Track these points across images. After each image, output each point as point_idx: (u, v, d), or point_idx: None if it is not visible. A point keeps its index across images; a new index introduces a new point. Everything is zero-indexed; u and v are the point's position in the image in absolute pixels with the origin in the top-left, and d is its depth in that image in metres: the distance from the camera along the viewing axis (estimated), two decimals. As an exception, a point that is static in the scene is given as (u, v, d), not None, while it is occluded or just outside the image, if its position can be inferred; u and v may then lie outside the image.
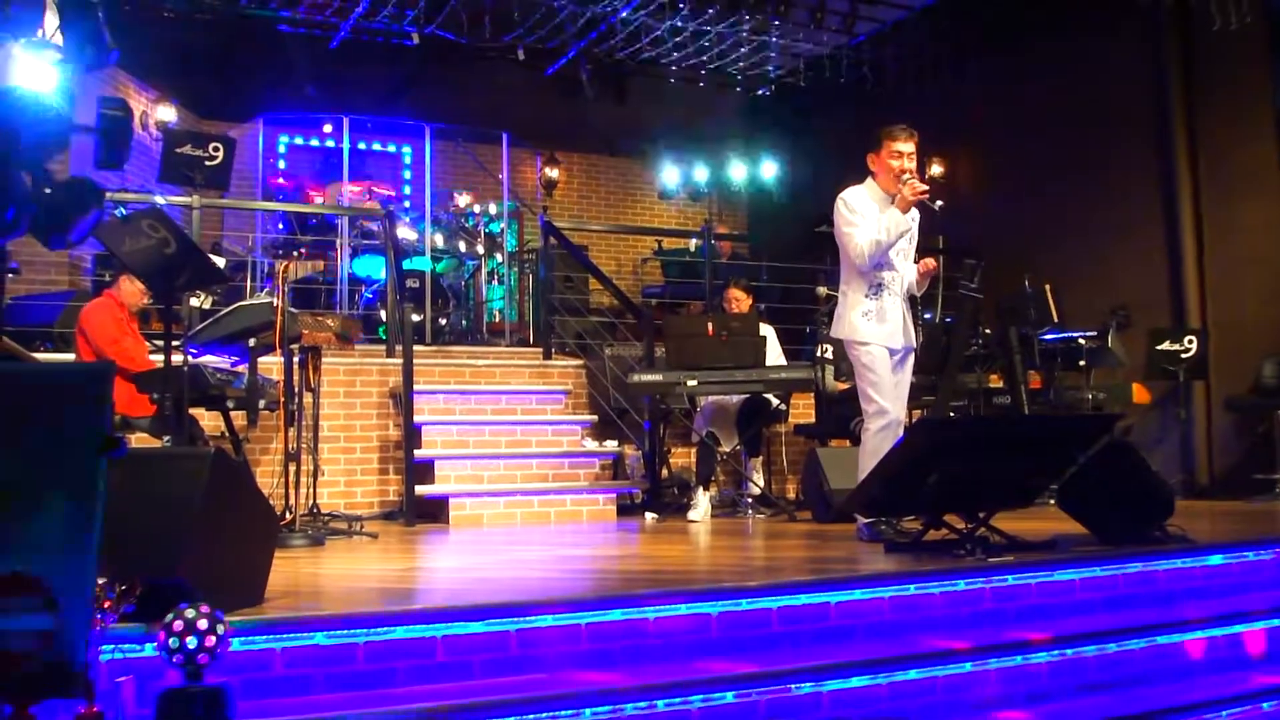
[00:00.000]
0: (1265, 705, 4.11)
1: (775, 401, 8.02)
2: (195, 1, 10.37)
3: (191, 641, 2.81)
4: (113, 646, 3.01)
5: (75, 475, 2.60)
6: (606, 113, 13.35)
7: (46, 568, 2.57)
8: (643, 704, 3.33)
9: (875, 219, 5.60)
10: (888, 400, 5.64)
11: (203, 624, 2.83)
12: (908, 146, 5.67)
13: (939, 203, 5.65)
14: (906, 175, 5.59)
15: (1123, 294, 9.28)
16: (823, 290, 8.78)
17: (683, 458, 8.99)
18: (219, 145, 8.05)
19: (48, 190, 3.01)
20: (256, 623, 3.27)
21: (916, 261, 5.87)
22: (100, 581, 2.84)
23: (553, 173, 13.85)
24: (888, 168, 5.67)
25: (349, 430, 7.91)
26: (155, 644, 2.87)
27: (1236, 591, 4.86)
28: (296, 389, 6.40)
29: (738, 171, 13.99)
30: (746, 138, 14.24)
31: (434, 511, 7.39)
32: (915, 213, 5.77)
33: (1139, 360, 8.94)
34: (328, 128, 12.31)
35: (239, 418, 6.71)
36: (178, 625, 2.82)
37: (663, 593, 3.82)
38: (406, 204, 12.33)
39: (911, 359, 5.86)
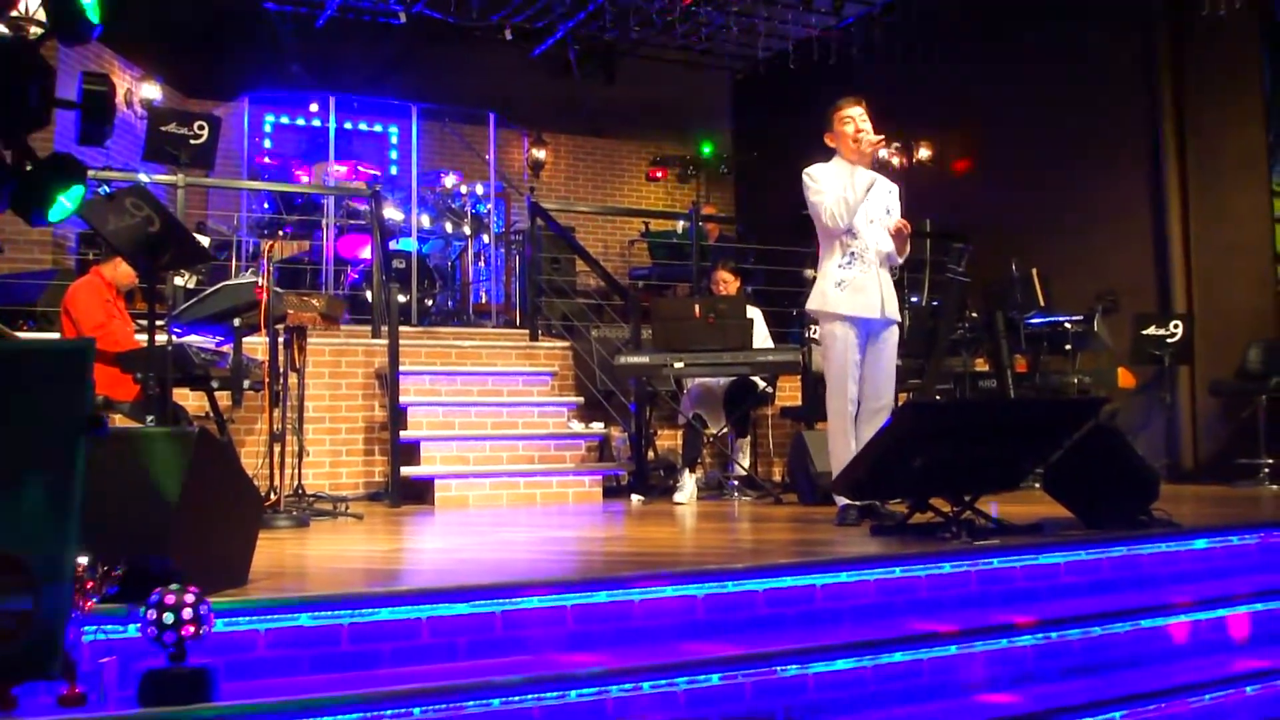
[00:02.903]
0: (1249, 689, 4.14)
1: (762, 384, 8.02)
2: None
3: (174, 622, 2.80)
4: (95, 627, 2.99)
5: (54, 455, 2.58)
6: (594, 94, 13.31)
7: (25, 548, 2.54)
8: (628, 686, 3.32)
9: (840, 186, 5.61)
10: (842, 381, 5.62)
11: (186, 605, 2.81)
12: (855, 110, 5.68)
13: (895, 148, 5.66)
14: (861, 134, 5.60)
15: (1109, 279, 9.29)
16: (810, 272, 8.74)
17: (669, 440, 8.98)
18: (204, 124, 7.98)
19: (29, 166, 2.98)
20: (240, 604, 3.25)
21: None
22: (83, 562, 2.82)
23: (540, 153, 13.81)
24: (842, 134, 5.68)
25: (334, 411, 7.89)
26: (138, 625, 2.85)
27: (1221, 575, 4.88)
28: (281, 369, 6.37)
29: (725, 153, 13.96)
30: (734, 119, 14.21)
31: (419, 493, 7.38)
32: (891, 185, 5.77)
33: (1125, 345, 8.96)
34: (314, 107, 12.23)
35: (223, 398, 6.68)
36: (161, 606, 2.80)
37: (648, 575, 3.82)
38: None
39: (894, 337, 5.78)
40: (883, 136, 5.58)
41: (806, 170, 5.72)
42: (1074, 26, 10.18)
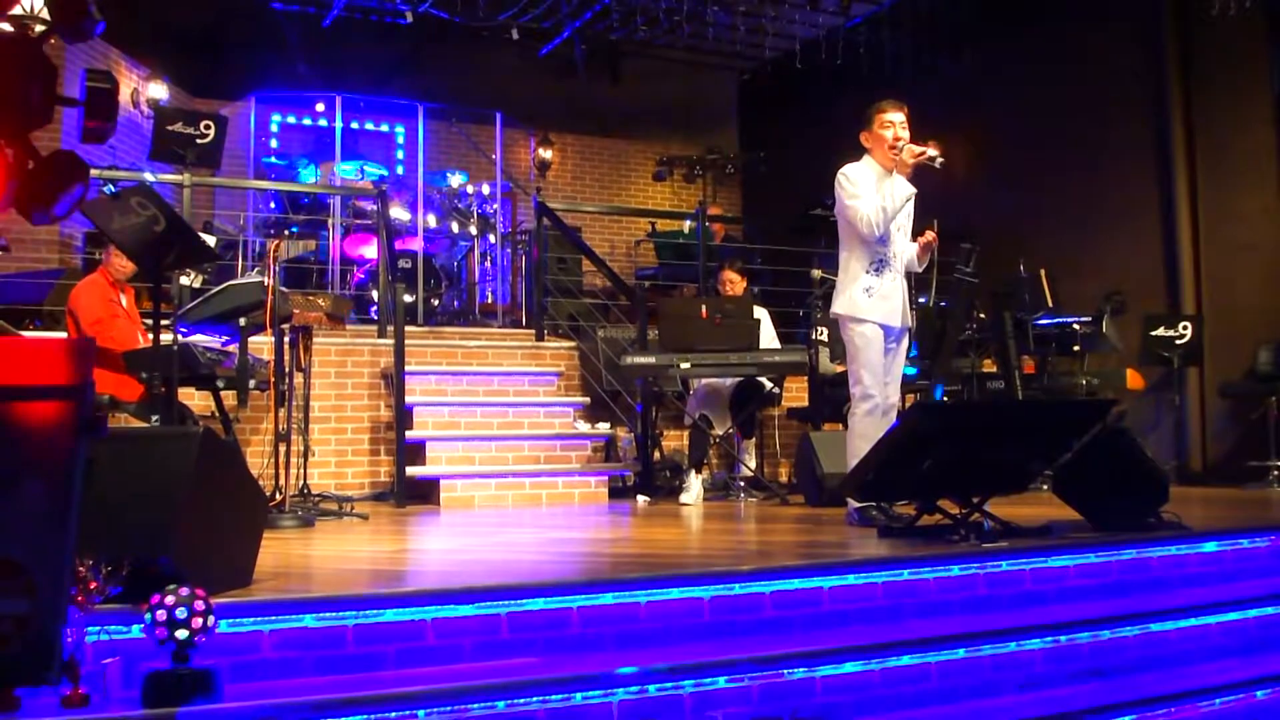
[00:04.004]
0: (1259, 693, 4.11)
1: (768, 385, 7.99)
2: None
3: (178, 623, 2.78)
4: (99, 628, 2.98)
5: (53, 456, 2.56)
6: (601, 93, 13.30)
7: (23, 551, 2.52)
8: (634, 688, 3.30)
9: (875, 191, 5.58)
10: (876, 383, 5.61)
11: (190, 605, 2.80)
12: (897, 116, 5.67)
13: (939, 160, 5.64)
14: (900, 142, 5.59)
15: (1118, 279, 9.26)
16: (817, 273, 8.73)
17: (675, 440, 8.96)
18: (210, 123, 7.96)
19: (31, 164, 2.97)
20: (245, 604, 3.24)
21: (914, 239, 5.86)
22: (87, 562, 2.81)
23: (546, 153, 13.80)
24: (880, 139, 5.67)
25: (340, 411, 7.88)
26: (142, 626, 2.84)
27: (1230, 579, 4.85)
28: (287, 369, 6.36)
29: (732, 153, 13.93)
30: (741, 119, 14.19)
31: (425, 493, 7.37)
32: (912, 189, 5.75)
33: (1133, 346, 8.93)
34: (320, 106, 12.23)
35: (229, 398, 6.67)
36: (164, 607, 2.79)
37: (655, 577, 3.79)
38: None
39: (907, 342, 5.83)
40: (924, 150, 5.57)
41: (842, 170, 5.69)
42: (1082, 26, 10.16)
